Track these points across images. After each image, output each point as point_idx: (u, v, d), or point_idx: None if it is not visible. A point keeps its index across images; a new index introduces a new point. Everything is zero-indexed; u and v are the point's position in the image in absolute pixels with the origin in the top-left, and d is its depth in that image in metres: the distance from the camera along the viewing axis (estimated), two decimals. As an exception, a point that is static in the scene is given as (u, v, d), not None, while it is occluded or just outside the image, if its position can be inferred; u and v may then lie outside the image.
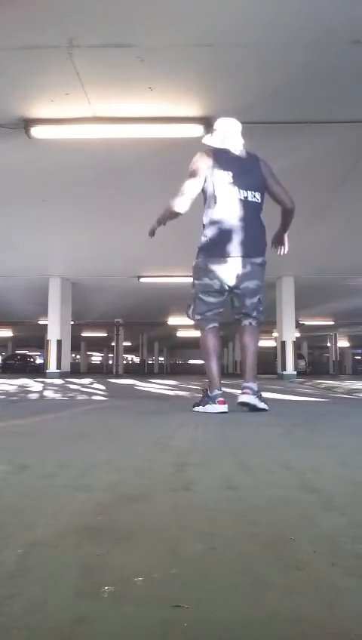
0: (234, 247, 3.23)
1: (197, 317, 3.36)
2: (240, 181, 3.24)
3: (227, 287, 3.29)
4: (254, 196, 3.27)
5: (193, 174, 3.27)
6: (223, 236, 3.25)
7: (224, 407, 3.16)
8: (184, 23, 4.07)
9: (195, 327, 3.43)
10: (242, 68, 4.64)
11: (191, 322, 3.44)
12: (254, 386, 3.22)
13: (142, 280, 14.01)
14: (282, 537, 0.82)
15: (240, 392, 3.25)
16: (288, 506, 1.02)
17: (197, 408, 3.26)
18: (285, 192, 3.42)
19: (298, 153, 6.29)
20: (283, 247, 3.67)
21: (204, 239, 3.31)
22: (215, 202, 3.26)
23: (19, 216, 8.98)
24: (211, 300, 3.31)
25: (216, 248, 3.26)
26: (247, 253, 3.25)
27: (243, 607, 0.59)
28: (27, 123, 5.47)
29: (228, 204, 3.24)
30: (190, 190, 3.26)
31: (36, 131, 5.55)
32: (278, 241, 3.67)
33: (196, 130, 5.54)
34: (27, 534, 0.84)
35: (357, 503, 1.06)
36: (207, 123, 5.46)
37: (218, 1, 3.84)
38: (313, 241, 9.07)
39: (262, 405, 3.19)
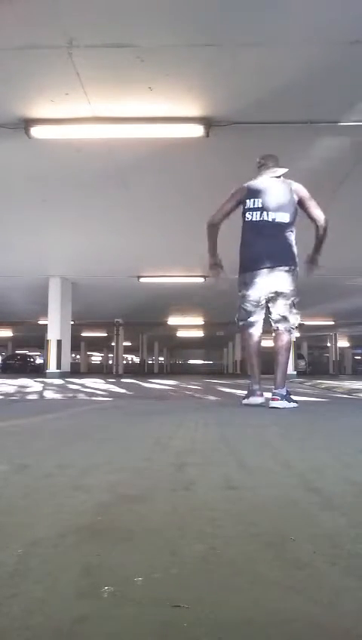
0: (264, 260, 3.73)
1: (241, 323, 3.88)
2: (268, 205, 3.75)
3: (263, 295, 3.77)
4: (283, 216, 3.75)
5: (228, 198, 3.89)
6: (253, 252, 3.78)
7: (261, 399, 3.74)
8: (184, 22, 4.07)
9: (240, 331, 3.99)
10: (242, 68, 4.64)
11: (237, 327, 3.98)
12: (283, 390, 3.68)
13: (142, 280, 14.01)
14: (282, 537, 0.82)
15: (271, 396, 3.69)
16: (288, 506, 1.03)
17: (244, 401, 3.84)
18: (317, 210, 3.82)
19: (298, 153, 6.29)
20: (311, 269, 4.00)
21: (239, 257, 3.85)
22: (245, 225, 3.83)
23: (20, 216, 8.98)
24: (250, 307, 3.81)
25: (248, 263, 3.80)
26: (275, 263, 3.72)
27: (243, 607, 0.59)
28: (27, 123, 5.47)
29: (257, 225, 3.76)
30: (221, 207, 3.89)
31: (36, 131, 5.55)
32: (309, 262, 4.01)
33: (196, 130, 5.54)
34: (27, 534, 0.84)
35: (357, 503, 1.06)
36: (207, 123, 5.47)
37: (218, 1, 3.84)
38: (313, 241, 9.06)
39: (291, 405, 3.65)
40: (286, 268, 3.71)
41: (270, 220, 3.73)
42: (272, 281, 3.71)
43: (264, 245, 3.73)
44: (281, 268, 3.70)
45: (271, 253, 3.72)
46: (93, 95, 5.06)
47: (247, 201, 3.79)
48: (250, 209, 3.78)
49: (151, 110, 5.30)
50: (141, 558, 0.74)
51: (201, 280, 13.86)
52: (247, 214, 3.79)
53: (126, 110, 5.33)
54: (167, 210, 8.59)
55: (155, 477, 1.28)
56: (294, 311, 3.78)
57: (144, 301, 17.68)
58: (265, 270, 3.71)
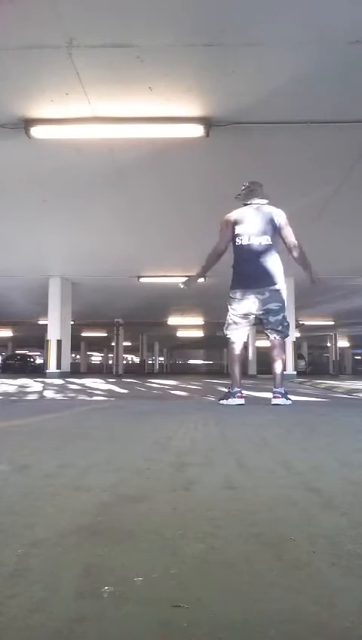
0: (254, 280, 4.12)
1: (228, 333, 4.26)
2: (254, 230, 4.13)
3: (253, 312, 4.15)
4: (267, 240, 4.12)
5: (220, 231, 4.23)
6: (244, 273, 4.16)
7: (242, 401, 4.09)
8: (184, 23, 4.06)
9: (228, 339, 4.32)
10: (242, 68, 4.63)
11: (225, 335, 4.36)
12: (282, 389, 4.10)
13: (142, 280, 14.00)
14: (282, 537, 0.82)
15: (271, 395, 4.11)
16: (288, 506, 1.03)
17: (222, 402, 4.12)
18: (290, 237, 4.16)
19: (298, 153, 6.29)
20: (315, 284, 4.39)
21: (232, 275, 4.22)
22: (236, 248, 4.19)
23: (20, 217, 8.97)
24: (240, 320, 4.21)
25: (240, 282, 4.17)
26: (265, 283, 4.10)
27: (243, 607, 0.59)
28: (27, 123, 5.47)
29: (245, 249, 4.13)
30: (222, 237, 4.22)
31: (36, 131, 5.55)
32: (310, 281, 4.39)
33: (196, 130, 5.53)
34: (27, 534, 0.84)
35: (357, 503, 1.06)
36: (207, 123, 5.47)
37: (218, 1, 3.83)
38: (313, 241, 9.07)
39: (288, 402, 4.03)
40: (274, 287, 4.10)
41: (256, 243, 4.12)
42: (261, 300, 4.10)
43: (252, 267, 4.12)
44: (269, 287, 4.09)
45: (259, 274, 4.11)
46: (93, 95, 5.06)
47: (236, 227, 4.16)
48: (238, 235, 4.15)
49: (151, 110, 5.30)
50: (141, 558, 0.74)
51: (201, 280, 13.85)
52: (237, 239, 4.16)
53: (126, 110, 5.33)
54: (167, 209, 8.59)
55: (155, 477, 1.28)
56: (285, 323, 4.21)
57: (144, 301, 17.68)
58: (254, 290, 4.11)
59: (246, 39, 4.25)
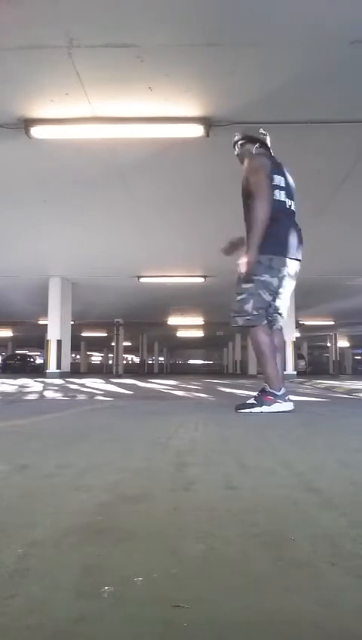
0: (294, 249, 3.27)
1: (255, 312, 3.21)
2: (288, 188, 3.35)
3: (282, 287, 3.29)
4: (293, 205, 3.38)
5: (261, 175, 3.21)
6: (285, 237, 3.24)
7: (291, 405, 3.20)
8: (184, 22, 4.06)
9: (247, 324, 3.26)
10: (242, 68, 4.63)
11: (237, 321, 3.30)
12: (283, 391, 3.28)
13: (142, 280, 14.01)
14: (282, 537, 0.82)
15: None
16: (288, 506, 1.02)
17: (270, 409, 3.13)
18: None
19: (298, 153, 6.29)
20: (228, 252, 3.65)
21: (267, 235, 3.14)
22: (274, 203, 3.19)
23: (20, 217, 8.98)
24: (268, 297, 3.25)
25: (280, 248, 3.22)
26: (299, 257, 3.32)
27: (243, 607, 0.59)
28: (27, 123, 5.47)
29: (285, 207, 3.30)
30: (267, 195, 3.17)
31: (36, 131, 5.55)
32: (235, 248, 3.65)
33: (196, 130, 5.54)
34: (27, 534, 0.84)
35: (357, 503, 1.06)
36: (207, 123, 5.47)
37: (218, 1, 3.84)
38: (313, 241, 9.06)
39: (288, 408, 3.27)
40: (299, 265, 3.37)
41: (288, 206, 3.32)
42: (293, 275, 3.32)
43: (295, 232, 3.28)
44: (299, 263, 3.35)
45: (297, 243, 3.28)
46: (93, 95, 5.06)
47: (274, 176, 3.25)
48: (276, 187, 3.24)
49: (151, 110, 5.30)
50: (141, 558, 0.74)
51: (201, 280, 13.86)
52: (275, 192, 3.23)
53: (126, 110, 5.33)
54: (167, 210, 8.59)
55: (155, 477, 1.28)
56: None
57: (144, 301, 17.68)
58: (293, 261, 3.27)
59: (247, 39, 4.25)
